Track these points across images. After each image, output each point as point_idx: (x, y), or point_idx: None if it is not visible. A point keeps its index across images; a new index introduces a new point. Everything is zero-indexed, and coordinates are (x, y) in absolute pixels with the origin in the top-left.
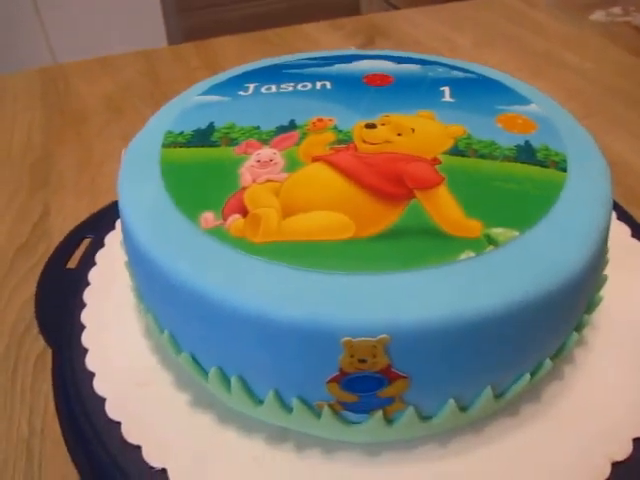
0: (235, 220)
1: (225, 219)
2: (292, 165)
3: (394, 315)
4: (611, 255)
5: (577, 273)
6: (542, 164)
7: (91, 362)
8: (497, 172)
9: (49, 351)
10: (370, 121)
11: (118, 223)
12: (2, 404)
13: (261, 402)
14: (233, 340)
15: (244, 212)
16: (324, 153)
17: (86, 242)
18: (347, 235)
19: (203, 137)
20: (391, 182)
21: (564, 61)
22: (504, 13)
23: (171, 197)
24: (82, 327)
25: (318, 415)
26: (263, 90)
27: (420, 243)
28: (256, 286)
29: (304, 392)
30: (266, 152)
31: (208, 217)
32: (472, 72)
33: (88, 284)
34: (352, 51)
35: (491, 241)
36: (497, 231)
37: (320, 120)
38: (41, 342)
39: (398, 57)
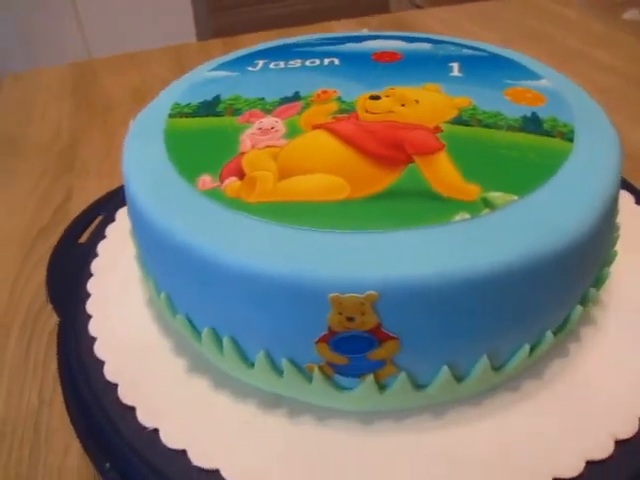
0: (232, 182)
1: (222, 182)
2: (292, 132)
3: (383, 272)
4: (626, 238)
5: (577, 239)
6: (548, 134)
7: (93, 328)
8: (500, 141)
9: None
10: (375, 93)
11: None
12: (15, 377)
13: (253, 365)
14: (225, 299)
15: (241, 175)
16: (325, 121)
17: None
18: (341, 196)
19: (208, 108)
20: (390, 147)
21: (595, 58)
22: (534, 11)
23: (172, 161)
24: (88, 295)
25: (309, 379)
26: (271, 66)
27: (415, 204)
28: (248, 244)
29: (294, 353)
30: (268, 120)
31: (205, 179)
32: (484, 50)
33: (96, 256)
34: (358, 33)
35: (488, 204)
36: (495, 195)
37: (324, 92)
38: (54, 319)
39: (410, 37)
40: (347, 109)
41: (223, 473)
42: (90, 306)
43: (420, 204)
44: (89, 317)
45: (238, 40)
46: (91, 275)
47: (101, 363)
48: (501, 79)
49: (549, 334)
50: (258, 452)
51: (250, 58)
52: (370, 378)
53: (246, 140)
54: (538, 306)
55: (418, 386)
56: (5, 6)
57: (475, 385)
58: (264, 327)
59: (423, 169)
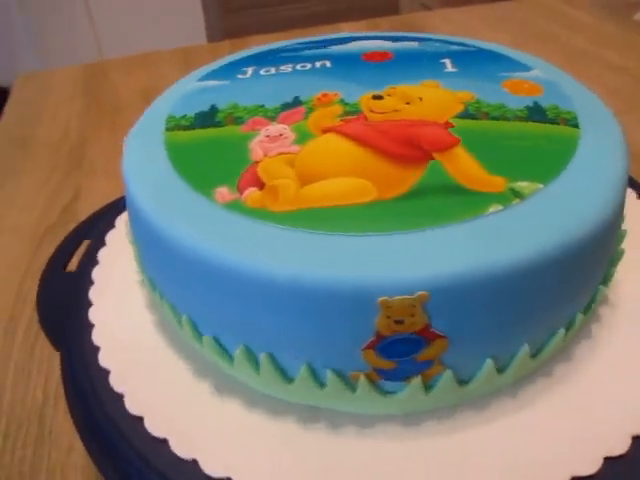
0: (252, 193)
1: (241, 193)
2: (303, 137)
3: (431, 271)
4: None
5: (603, 221)
6: (553, 122)
7: (97, 337)
8: (510, 131)
9: None
10: (377, 92)
11: (120, 220)
12: (21, 371)
13: (292, 380)
14: (264, 314)
15: (260, 184)
16: (332, 124)
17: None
18: (368, 198)
19: (206, 118)
20: (406, 146)
21: (605, 59)
22: (544, 13)
23: (182, 176)
24: (91, 325)
25: (353, 388)
26: (262, 72)
27: (446, 200)
28: (284, 254)
29: (338, 363)
30: (275, 127)
31: (223, 192)
32: (470, 45)
33: (92, 283)
34: (341, 34)
35: (517, 194)
36: (521, 184)
37: (325, 95)
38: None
39: (394, 36)
40: (352, 111)
41: None
42: (96, 337)
43: (450, 200)
44: (97, 348)
45: (246, 42)
46: (91, 304)
47: (106, 372)
48: (495, 72)
49: (580, 316)
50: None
51: (237, 65)
52: (417, 380)
53: (256, 148)
54: (571, 289)
55: (461, 382)
56: (19, 8)
57: (515, 374)
58: (307, 339)
59: (445, 165)
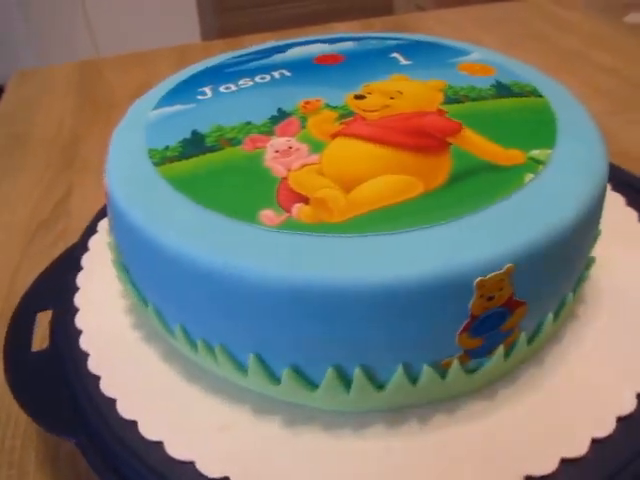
0: (301, 209)
1: (289, 211)
2: (316, 146)
3: (514, 243)
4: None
5: (605, 175)
6: (521, 95)
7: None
8: (494, 109)
9: None
10: (357, 92)
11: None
12: None
13: (382, 387)
14: (361, 324)
15: (303, 199)
16: (338, 129)
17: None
18: (418, 191)
19: (195, 145)
20: (419, 136)
21: (596, 60)
22: (538, 14)
23: (212, 210)
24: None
25: (443, 375)
26: (223, 90)
27: (487, 178)
28: (374, 262)
29: (434, 354)
30: (279, 141)
31: (268, 214)
32: (406, 39)
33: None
34: (275, 43)
35: (538, 162)
36: (536, 152)
37: (308, 102)
38: (49, 312)
39: (330, 39)
40: (346, 113)
41: None
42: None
43: (489, 177)
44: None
45: (241, 41)
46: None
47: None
48: (444, 59)
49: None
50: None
51: (189, 87)
52: (500, 350)
53: (275, 165)
54: (585, 251)
55: (530, 341)
56: (19, 8)
57: (557, 325)
58: (407, 340)
59: (466, 147)
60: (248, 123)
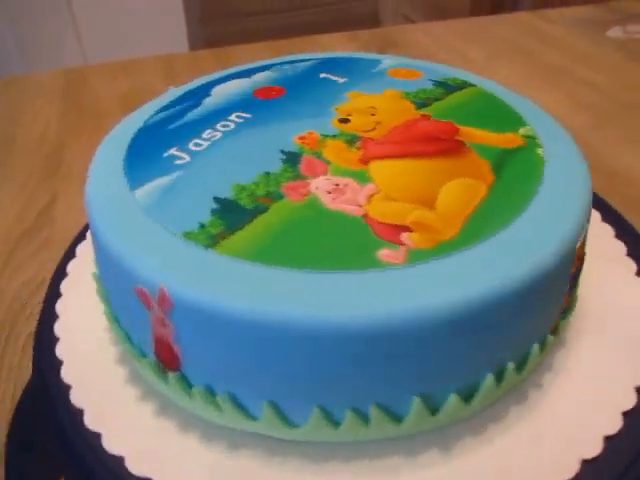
0: (409, 237)
1: (401, 244)
2: (358, 176)
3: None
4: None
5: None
6: (462, 87)
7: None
8: (458, 103)
9: None
10: (340, 117)
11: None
12: None
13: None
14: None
15: (403, 228)
16: (360, 154)
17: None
18: (485, 191)
19: (236, 212)
20: (434, 142)
21: (577, 75)
22: (520, 28)
23: (314, 270)
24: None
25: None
26: (193, 148)
27: (521, 164)
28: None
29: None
30: (321, 182)
31: (386, 253)
32: (315, 59)
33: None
34: (175, 89)
35: (531, 138)
36: (525, 130)
37: (302, 137)
38: (32, 323)
39: (243, 72)
40: (352, 137)
41: None
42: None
43: (523, 163)
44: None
45: (228, 51)
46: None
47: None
48: (367, 69)
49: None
50: None
51: (149, 152)
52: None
53: (341, 205)
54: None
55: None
56: (3, 13)
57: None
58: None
59: (475, 142)
60: (267, 174)
